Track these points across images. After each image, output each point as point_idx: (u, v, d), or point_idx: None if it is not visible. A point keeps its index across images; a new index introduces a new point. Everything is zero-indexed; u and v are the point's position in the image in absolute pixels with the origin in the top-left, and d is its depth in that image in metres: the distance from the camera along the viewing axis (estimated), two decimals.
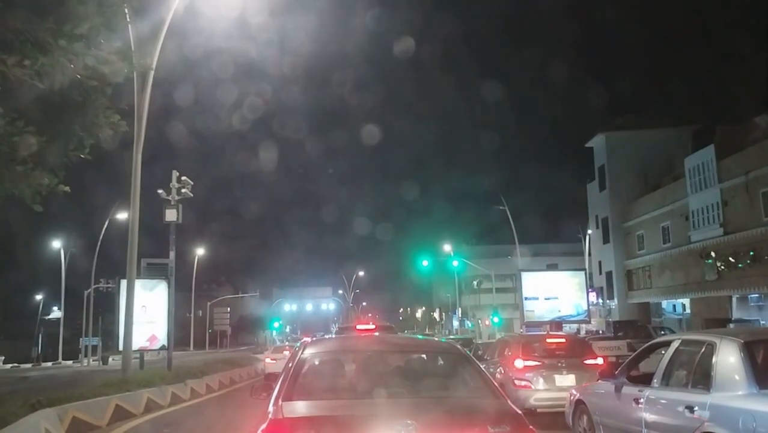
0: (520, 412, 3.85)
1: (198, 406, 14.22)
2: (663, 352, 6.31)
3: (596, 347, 22.05)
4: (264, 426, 3.52)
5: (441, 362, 4.76)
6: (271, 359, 23.87)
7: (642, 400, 6.10)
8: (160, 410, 12.81)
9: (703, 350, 5.52)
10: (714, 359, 5.25)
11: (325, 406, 3.87)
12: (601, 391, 7.17)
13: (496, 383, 4.34)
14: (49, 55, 6.77)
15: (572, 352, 10.90)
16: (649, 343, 7.17)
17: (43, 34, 6.80)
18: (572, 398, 8.04)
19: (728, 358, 5.15)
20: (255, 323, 77.02)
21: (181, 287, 54.79)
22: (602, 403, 7.07)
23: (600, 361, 10.79)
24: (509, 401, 4.05)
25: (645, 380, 6.37)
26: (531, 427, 3.62)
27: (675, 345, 6.10)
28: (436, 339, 6.47)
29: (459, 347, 4.95)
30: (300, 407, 3.79)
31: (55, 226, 45.72)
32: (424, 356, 4.91)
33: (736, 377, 5.00)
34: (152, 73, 13.73)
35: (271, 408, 3.77)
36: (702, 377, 5.38)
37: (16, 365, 44.14)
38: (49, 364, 45.58)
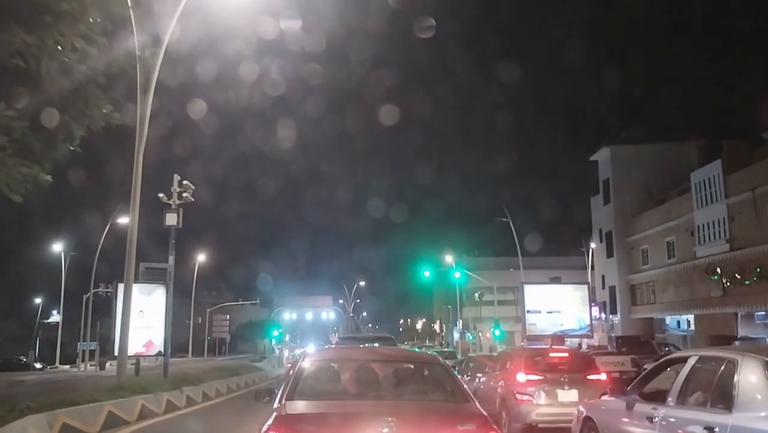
0: (485, 414, 4.42)
1: (193, 414, 14.01)
2: (678, 369, 6.04)
3: (600, 362, 21.83)
4: (270, 422, 4.07)
5: (423, 371, 5.37)
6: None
7: (656, 418, 5.83)
8: (155, 417, 12.59)
9: (723, 367, 5.26)
10: (736, 378, 4.99)
11: (322, 405, 4.46)
12: (611, 408, 6.92)
13: (469, 390, 4.94)
14: (33, 34, 6.42)
15: (575, 367, 10.71)
16: (663, 359, 6.90)
17: (24, 5, 6.39)
18: (580, 414, 7.75)
19: (751, 376, 4.88)
20: (254, 331, 76.57)
21: (181, 294, 54.62)
22: (612, 421, 6.79)
23: (603, 376, 10.64)
24: (478, 405, 4.62)
25: (658, 397, 6.11)
26: (494, 427, 4.20)
27: (692, 362, 5.83)
28: (429, 353, 7.08)
29: (440, 358, 5.60)
30: (300, 406, 4.40)
31: (57, 228, 45.60)
32: (410, 365, 5.49)
33: (759, 397, 4.73)
34: (156, 72, 13.49)
35: (276, 406, 4.43)
36: (722, 397, 5.11)
37: (21, 358, 44.04)
38: (47, 367, 45.39)
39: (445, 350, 35.82)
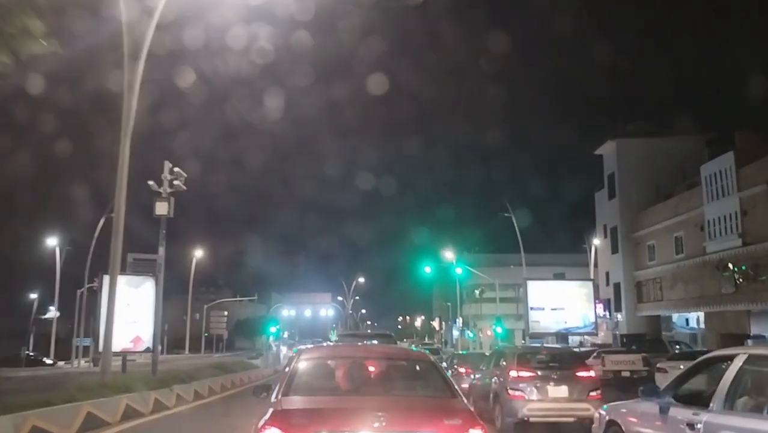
0: (471, 409, 4.72)
1: (183, 414, 13.28)
2: (720, 369, 5.29)
3: (609, 360, 21.14)
4: (267, 416, 4.31)
5: (413, 367, 5.60)
6: None
7: (699, 425, 5.08)
8: (140, 418, 11.84)
9: None
10: None
11: (317, 401, 4.70)
12: (640, 411, 6.18)
13: (456, 385, 5.16)
14: None
15: (566, 364, 11.27)
16: (702, 358, 6.14)
17: None
18: (602, 418, 7.01)
19: None
20: (252, 328, 75.89)
21: (178, 290, 53.85)
22: (643, 426, 6.06)
23: (592, 373, 11.24)
24: (465, 400, 4.84)
25: (698, 401, 5.39)
26: (479, 421, 4.42)
27: (739, 362, 5.09)
28: (423, 350, 7.31)
29: (430, 355, 5.78)
30: (296, 402, 4.62)
31: (52, 220, 44.80)
32: (400, 362, 5.74)
33: None
34: (145, 49, 12.65)
35: (273, 401, 4.66)
36: None
37: (29, 353, 43.56)
38: (57, 363, 44.81)
39: (434, 346, 35.78)
